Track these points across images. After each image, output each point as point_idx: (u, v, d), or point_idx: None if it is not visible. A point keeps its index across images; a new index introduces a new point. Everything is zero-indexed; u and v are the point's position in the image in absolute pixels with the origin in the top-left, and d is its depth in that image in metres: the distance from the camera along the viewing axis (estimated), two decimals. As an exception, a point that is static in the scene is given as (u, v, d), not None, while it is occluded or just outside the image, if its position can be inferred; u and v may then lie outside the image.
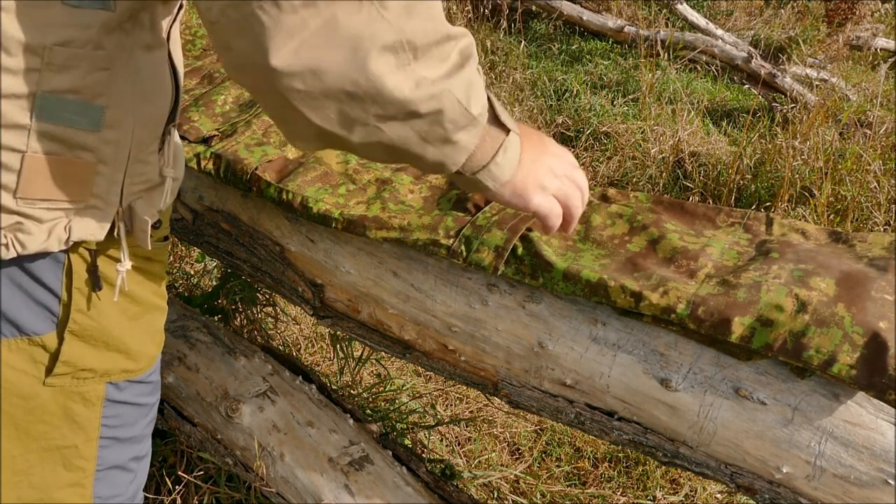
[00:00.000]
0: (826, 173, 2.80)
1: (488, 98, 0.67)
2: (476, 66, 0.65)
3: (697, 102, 3.87)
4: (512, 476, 1.64)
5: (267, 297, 1.88)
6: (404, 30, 0.56)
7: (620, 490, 1.66)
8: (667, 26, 5.03)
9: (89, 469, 0.81)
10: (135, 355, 0.81)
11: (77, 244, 0.72)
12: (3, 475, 0.76)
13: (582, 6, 5.08)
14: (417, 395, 1.83)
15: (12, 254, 0.66)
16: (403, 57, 0.57)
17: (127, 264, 0.75)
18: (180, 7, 0.74)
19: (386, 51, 0.56)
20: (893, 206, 2.70)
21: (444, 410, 1.86)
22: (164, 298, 0.87)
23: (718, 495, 1.65)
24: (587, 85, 4.18)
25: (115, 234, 0.73)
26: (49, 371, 0.75)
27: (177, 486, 1.35)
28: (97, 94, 0.66)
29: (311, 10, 0.53)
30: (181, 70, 0.79)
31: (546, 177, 0.73)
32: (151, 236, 0.77)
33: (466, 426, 1.82)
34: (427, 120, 0.61)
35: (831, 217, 2.72)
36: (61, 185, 0.67)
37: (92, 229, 0.71)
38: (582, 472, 1.71)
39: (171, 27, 0.73)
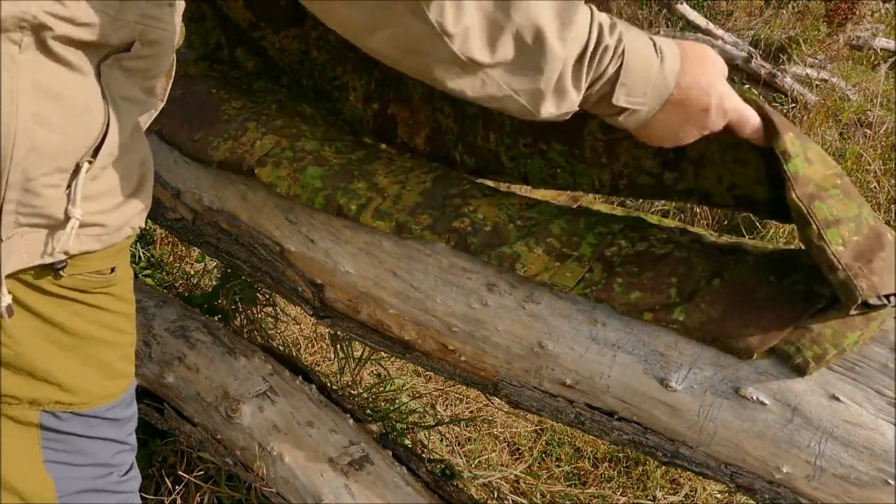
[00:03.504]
0: (826, 173, 2.80)
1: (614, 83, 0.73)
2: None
3: (697, 102, 3.87)
4: (512, 476, 1.64)
5: (267, 297, 1.88)
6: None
7: (620, 490, 1.66)
8: (667, 26, 5.03)
9: (46, 496, 0.77)
10: (69, 388, 0.76)
11: None
12: None
13: (582, 6, 5.07)
14: (417, 395, 1.83)
15: None
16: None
17: (5, 299, 0.67)
18: (126, 50, 0.68)
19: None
20: (893, 206, 2.71)
21: (444, 410, 1.86)
22: (120, 331, 0.82)
23: (718, 495, 1.65)
24: (587, 85, 4.18)
25: None
26: None
27: (177, 486, 1.35)
28: None
29: None
30: (128, 114, 0.72)
31: (690, 131, 0.79)
32: (61, 270, 0.71)
33: (466, 426, 1.82)
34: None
35: (831, 217, 2.72)
36: None
37: None
38: (582, 472, 1.71)
39: (100, 62, 0.66)
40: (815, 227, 0.75)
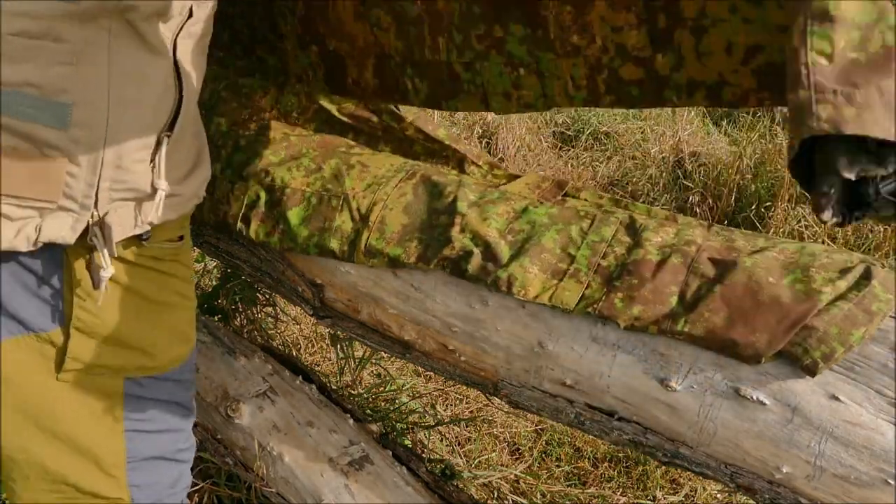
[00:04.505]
0: (826, 173, 2.80)
1: None
2: None
3: (697, 102, 3.87)
4: (512, 476, 1.64)
5: (267, 297, 1.88)
6: None
7: (620, 490, 1.66)
8: (667, 26, 5.02)
9: (118, 461, 0.81)
10: (151, 353, 0.81)
11: (79, 242, 0.71)
12: (32, 483, 0.77)
13: (582, 6, 5.07)
14: (417, 395, 1.83)
15: None
16: None
17: (109, 270, 0.72)
18: (189, 16, 0.72)
19: None
20: (893, 205, 2.70)
21: (444, 410, 1.87)
22: (186, 297, 0.87)
23: (718, 495, 1.65)
24: (587, 85, 4.17)
25: (88, 238, 0.71)
26: (59, 366, 0.75)
27: (177, 486, 1.35)
28: (60, 90, 0.63)
29: None
30: (192, 82, 0.77)
31: None
32: (145, 240, 0.76)
33: (466, 426, 1.82)
34: None
35: (831, 217, 2.71)
36: (31, 183, 0.64)
37: (63, 232, 0.68)
38: (582, 472, 1.71)
39: (176, 36, 0.72)
40: (801, 18, 0.54)
